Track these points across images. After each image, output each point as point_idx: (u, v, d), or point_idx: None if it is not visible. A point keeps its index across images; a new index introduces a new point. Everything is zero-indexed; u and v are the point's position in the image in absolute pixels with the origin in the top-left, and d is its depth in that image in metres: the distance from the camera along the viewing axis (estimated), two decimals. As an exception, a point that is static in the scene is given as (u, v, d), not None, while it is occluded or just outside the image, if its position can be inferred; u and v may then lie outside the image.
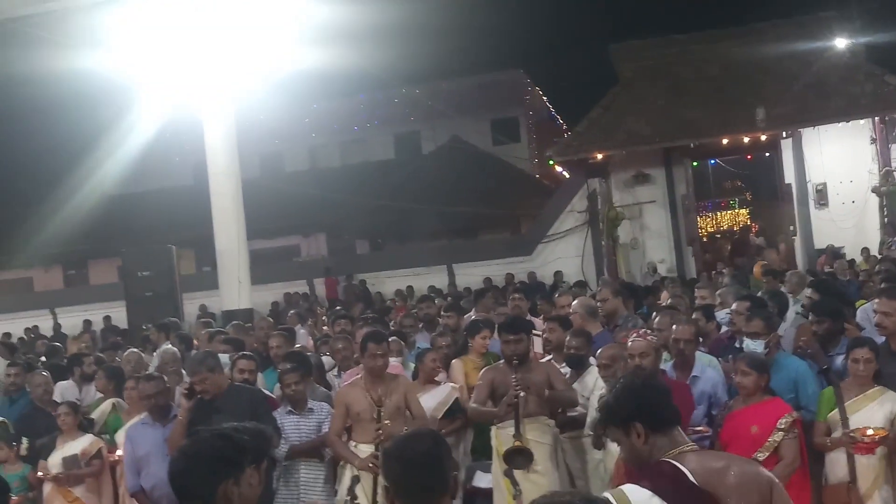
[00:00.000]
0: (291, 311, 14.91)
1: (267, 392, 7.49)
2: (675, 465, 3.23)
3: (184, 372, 8.12)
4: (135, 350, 9.84)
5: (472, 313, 10.59)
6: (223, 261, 15.03)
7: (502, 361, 6.80)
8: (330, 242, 29.53)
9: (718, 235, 26.67)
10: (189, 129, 15.59)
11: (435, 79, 33.66)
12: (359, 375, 7.21)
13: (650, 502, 3.13)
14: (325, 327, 12.00)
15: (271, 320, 12.57)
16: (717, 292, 9.57)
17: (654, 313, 8.09)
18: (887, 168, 17.84)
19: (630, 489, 3.21)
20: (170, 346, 9.81)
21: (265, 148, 31.86)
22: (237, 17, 14.32)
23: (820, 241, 17.92)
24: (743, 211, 28.74)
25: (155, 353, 10.27)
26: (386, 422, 6.35)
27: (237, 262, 14.83)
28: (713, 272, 17.27)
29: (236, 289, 14.73)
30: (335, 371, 8.46)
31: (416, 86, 32.85)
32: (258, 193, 21.01)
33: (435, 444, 3.03)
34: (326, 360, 8.90)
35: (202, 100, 14.97)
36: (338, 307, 16.64)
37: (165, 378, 7.40)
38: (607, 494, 2.89)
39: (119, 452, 7.22)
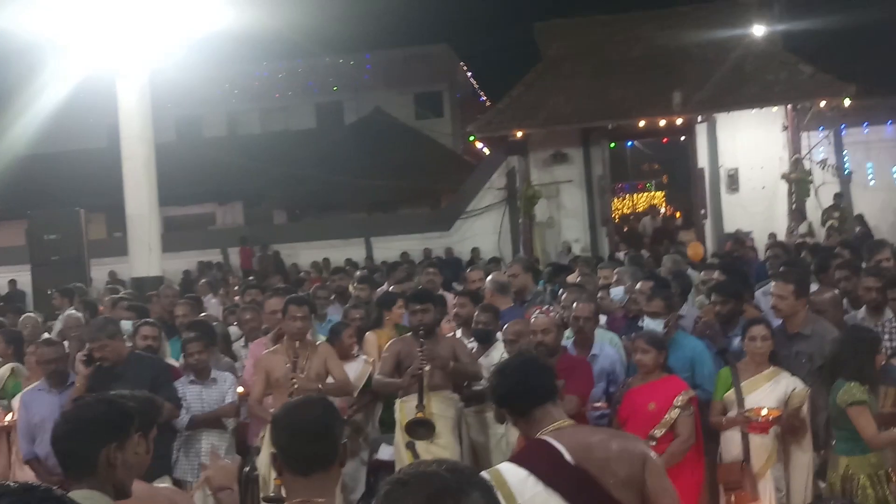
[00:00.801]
0: (202, 280, 14.69)
1: (172, 361, 7.39)
2: (549, 443, 3.27)
3: (85, 338, 7.94)
4: (31, 314, 9.59)
5: (385, 286, 10.59)
6: (133, 226, 14.68)
7: (410, 333, 6.83)
8: (247, 211, 29.13)
9: (631, 217, 27.12)
10: (104, 89, 15.12)
11: (360, 49, 33.41)
12: (269, 346, 7.18)
13: (525, 482, 3.17)
14: (236, 297, 11.86)
15: (177, 288, 12.37)
16: (615, 271, 9.76)
17: (561, 290, 8.22)
18: (797, 156, 18.29)
19: (506, 468, 3.26)
20: (73, 311, 9.59)
21: (182, 112, 31.14)
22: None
23: (730, 226, 18.36)
24: (658, 194, 29.30)
25: (58, 319, 10.03)
26: (301, 375, 6.35)
27: (148, 228, 14.51)
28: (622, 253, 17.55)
29: (146, 255, 14.41)
30: (242, 341, 8.38)
31: (340, 55, 32.53)
32: (173, 158, 20.58)
33: (325, 412, 3.02)
34: (234, 329, 8.81)
35: (116, 59, 14.52)
36: (251, 277, 16.47)
37: (66, 344, 7.23)
38: (484, 473, 2.92)
39: (9, 417, 7.04)
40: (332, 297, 10.25)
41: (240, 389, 7.16)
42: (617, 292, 8.86)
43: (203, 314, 9.15)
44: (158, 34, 14.41)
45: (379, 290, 10.29)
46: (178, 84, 23.38)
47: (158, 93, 15.87)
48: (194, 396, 6.90)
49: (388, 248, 20.34)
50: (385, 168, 24.77)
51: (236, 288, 13.61)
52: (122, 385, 5.60)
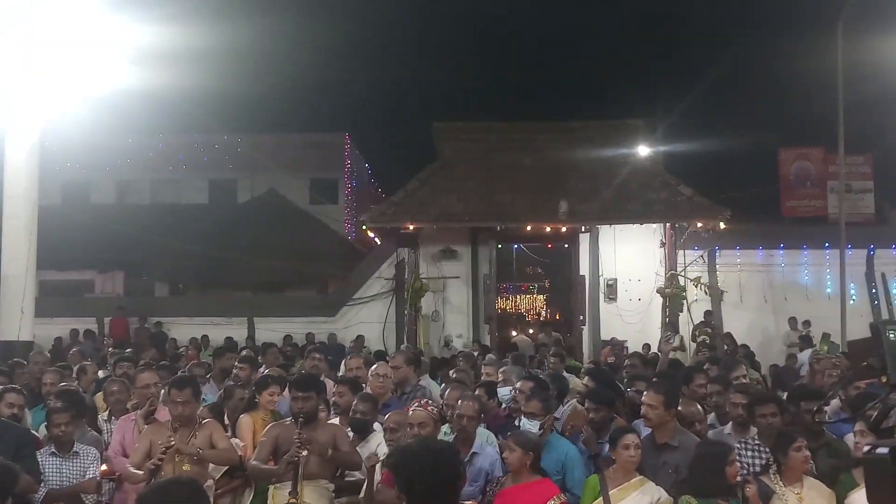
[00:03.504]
0: (74, 349, 14.17)
1: (34, 431, 7.12)
2: None
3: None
4: None
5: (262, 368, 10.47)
6: (7, 288, 14.10)
7: (289, 419, 6.77)
8: (127, 281, 28.32)
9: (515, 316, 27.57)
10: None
11: (259, 130, 33.48)
12: (140, 422, 7.01)
13: None
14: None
15: (48, 355, 11.90)
16: (501, 370, 9.91)
17: (444, 385, 8.30)
18: (673, 272, 19.14)
19: None
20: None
21: (70, 175, 30.38)
22: (53, 31, 13.71)
23: (607, 333, 18.92)
24: (540, 297, 29.94)
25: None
26: (185, 468, 6.25)
27: (22, 290, 13.97)
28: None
29: (18, 319, 13.83)
30: (105, 415, 8.10)
31: (238, 134, 32.48)
32: (56, 222, 19.96)
33: (192, 493, 3.00)
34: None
35: (6, 115, 14.16)
36: (128, 349, 15.97)
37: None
38: None
39: None
40: (208, 376, 10.07)
41: (103, 467, 6.93)
42: (504, 392, 8.95)
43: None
44: (53, 92, 14.15)
45: (259, 371, 10.16)
46: (69, 147, 22.91)
47: (47, 154, 15.48)
48: (53, 470, 6.66)
49: (271, 330, 20.09)
50: (275, 249, 24.59)
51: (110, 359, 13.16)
52: (-20, 452, 5.40)
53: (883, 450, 2.84)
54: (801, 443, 5.97)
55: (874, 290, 19.64)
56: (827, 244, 19.39)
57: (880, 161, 24.04)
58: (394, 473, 3.48)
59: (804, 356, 15.55)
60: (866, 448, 2.93)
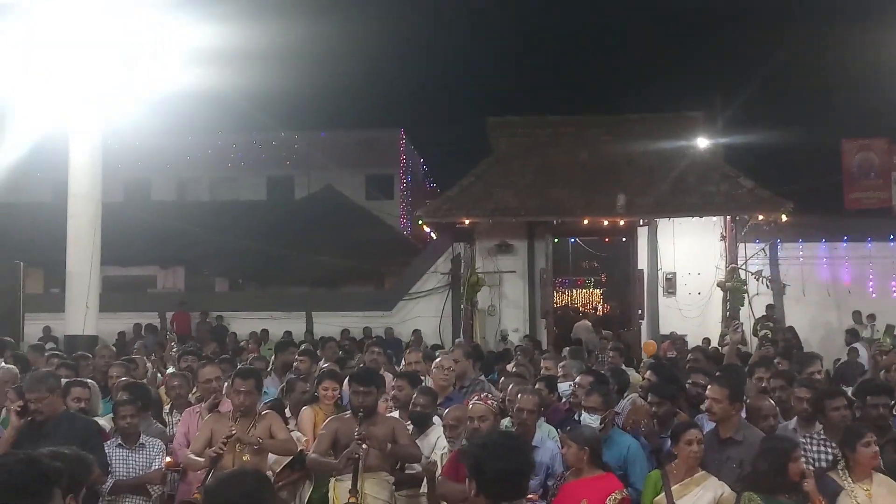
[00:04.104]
0: (138, 343, 14.45)
1: (102, 422, 7.26)
2: None
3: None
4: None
5: (322, 362, 10.56)
6: (72, 284, 14.45)
7: (348, 413, 6.81)
8: (188, 277, 28.79)
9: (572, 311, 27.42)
10: (53, 144, 15.01)
11: (315, 127, 33.82)
12: (204, 415, 7.11)
13: None
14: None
15: (113, 349, 12.15)
16: (561, 364, 9.86)
17: (502, 379, 8.28)
18: (733, 265, 18.84)
19: None
20: (3, 363, 9.35)
21: (132, 174, 30.99)
22: (115, 33, 13.98)
23: (665, 328, 18.70)
24: (597, 291, 29.75)
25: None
26: (245, 458, 6.34)
27: (87, 286, 14.28)
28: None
29: (83, 314, 14.15)
30: (167, 408, 8.23)
31: (294, 131, 32.83)
32: (119, 219, 20.35)
33: (257, 484, 3.02)
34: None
35: (71, 116, 14.49)
36: (189, 343, 16.24)
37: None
38: None
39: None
40: (269, 370, 10.18)
41: (168, 459, 7.04)
42: (564, 386, 8.90)
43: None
44: (115, 93, 14.43)
45: (319, 364, 10.25)
46: (131, 146, 23.37)
47: (109, 153, 15.80)
48: (120, 461, 6.79)
49: (328, 324, 20.24)
50: (331, 245, 24.78)
51: (172, 353, 13.39)
52: (50, 443, 5.51)
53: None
54: (869, 438, 5.83)
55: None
56: (892, 236, 18.92)
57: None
58: (466, 459, 3.50)
59: (862, 350, 15.22)
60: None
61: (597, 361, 12.80)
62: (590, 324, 23.86)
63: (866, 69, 23.44)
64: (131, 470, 6.77)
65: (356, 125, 34.49)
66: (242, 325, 20.99)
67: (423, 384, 7.84)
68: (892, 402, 7.59)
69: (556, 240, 21.17)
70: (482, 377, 9.42)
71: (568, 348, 12.32)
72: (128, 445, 6.85)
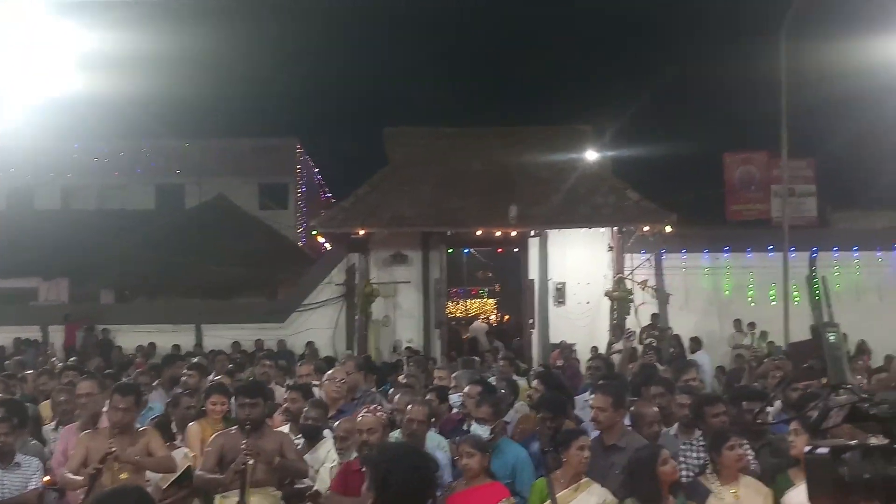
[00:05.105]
0: (16, 358, 13.90)
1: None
2: None
3: None
4: None
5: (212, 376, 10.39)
6: (-54, 297, 13.82)
7: (235, 427, 6.73)
8: (73, 289, 27.82)
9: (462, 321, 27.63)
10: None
11: (207, 135, 33.20)
12: (78, 432, 6.91)
13: None
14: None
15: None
16: (453, 375, 9.95)
17: (393, 390, 8.31)
18: (620, 275, 19.36)
19: None
20: None
21: (14, 181, 29.83)
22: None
23: (556, 337, 19.04)
24: (491, 301, 30.09)
25: None
26: (122, 476, 6.18)
27: (-38, 299, 13.68)
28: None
29: (-43, 328, 13.55)
30: (52, 425, 7.99)
31: (186, 139, 32.16)
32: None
33: (140, 502, 2.99)
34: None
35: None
36: (73, 358, 15.74)
37: None
38: None
39: None
40: (155, 384, 9.96)
41: (46, 477, 6.82)
42: (455, 397, 8.97)
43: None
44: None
45: (208, 378, 10.07)
46: (13, 152, 22.46)
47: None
48: (-7, 481, 6.54)
49: (219, 337, 19.88)
50: (223, 255, 24.37)
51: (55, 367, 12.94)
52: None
53: (823, 450, 2.90)
54: (734, 441, 6.06)
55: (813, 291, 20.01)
56: (771, 247, 19.74)
57: (822, 165, 24.59)
58: (371, 470, 3.47)
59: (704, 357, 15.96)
60: (807, 448, 2.99)
61: (488, 369, 12.98)
62: (486, 325, 24.18)
63: (749, 85, 24.48)
64: (6, 490, 6.53)
65: (251, 133, 33.99)
66: (129, 338, 20.42)
67: (316, 397, 7.81)
68: (768, 406, 7.96)
69: (450, 250, 21.32)
70: (374, 389, 9.43)
71: (461, 358, 12.46)
72: (2, 465, 6.60)
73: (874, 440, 3.04)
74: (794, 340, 16.46)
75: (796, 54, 18.32)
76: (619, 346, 17.53)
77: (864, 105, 25.19)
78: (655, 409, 7.35)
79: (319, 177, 37.36)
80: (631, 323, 18.87)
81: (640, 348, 17.45)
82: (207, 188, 31.39)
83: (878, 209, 24.08)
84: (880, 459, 2.80)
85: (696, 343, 17.52)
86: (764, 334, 18.11)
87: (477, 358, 16.22)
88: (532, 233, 19.73)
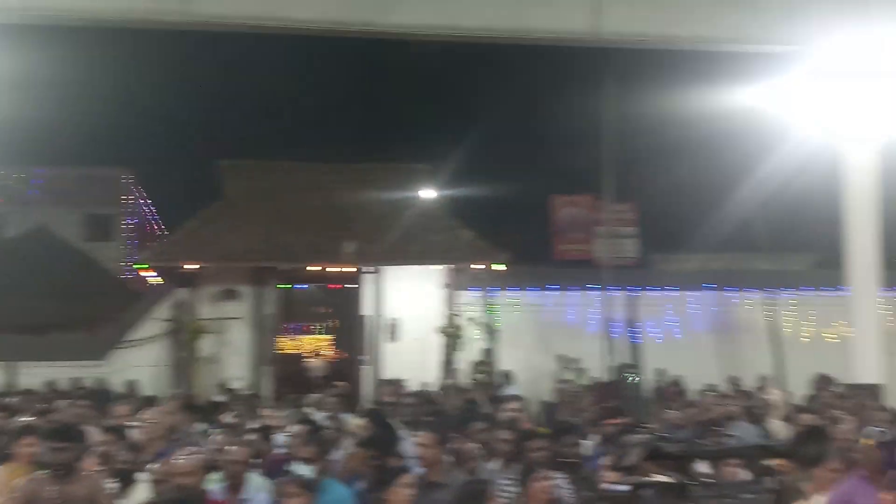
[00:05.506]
0: None
1: None
2: None
3: None
4: None
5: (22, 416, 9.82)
6: None
7: (44, 471, 6.40)
8: None
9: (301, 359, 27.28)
10: None
11: (30, 162, 31.58)
12: None
13: None
14: None
15: None
16: (283, 415, 9.84)
17: (214, 430, 8.11)
18: (452, 312, 19.70)
19: None
20: None
21: None
22: None
23: (388, 373, 19.10)
24: (326, 337, 29.80)
25: None
26: None
27: None
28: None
29: None
30: None
31: (6, 166, 30.53)
32: None
33: None
34: None
35: None
36: None
37: None
38: None
39: None
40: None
41: None
42: (282, 437, 8.83)
43: None
44: None
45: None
46: None
47: None
48: None
49: (34, 375, 18.76)
50: (41, 288, 23.11)
51: None
52: None
53: (623, 487, 3.06)
54: (539, 475, 6.29)
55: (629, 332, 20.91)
56: (593, 286, 20.56)
57: (643, 209, 25.92)
58: None
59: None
60: (605, 485, 3.15)
61: (320, 407, 12.86)
62: (320, 362, 23.97)
63: (577, 132, 25.55)
64: None
65: (78, 162, 32.57)
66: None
67: (132, 438, 7.53)
68: (582, 440, 8.28)
69: (284, 286, 21.06)
70: (196, 429, 9.16)
71: (290, 396, 12.31)
72: None
73: (670, 477, 3.27)
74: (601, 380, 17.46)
75: (626, 105, 19.41)
76: (450, 381, 17.83)
77: (682, 155, 26.89)
78: (477, 444, 7.52)
79: (153, 209, 36.19)
80: (462, 359, 19.20)
81: (470, 383, 17.84)
82: (29, 218, 29.82)
83: (694, 252, 25.68)
84: (672, 496, 3.01)
85: (508, 378, 17.92)
86: (581, 371, 18.82)
87: (314, 395, 16.08)
88: (367, 269, 19.80)
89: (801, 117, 15.59)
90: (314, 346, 28.83)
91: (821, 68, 14.81)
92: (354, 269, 19.66)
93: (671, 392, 15.94)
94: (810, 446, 5.58)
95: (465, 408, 10.13)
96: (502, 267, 19.65)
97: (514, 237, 23.03)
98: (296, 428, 7.81)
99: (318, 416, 10.32)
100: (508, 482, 6.90)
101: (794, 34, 14.81)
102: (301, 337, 29.22)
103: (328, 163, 22.59)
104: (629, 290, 20.74)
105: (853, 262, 15.29)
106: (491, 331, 19.98)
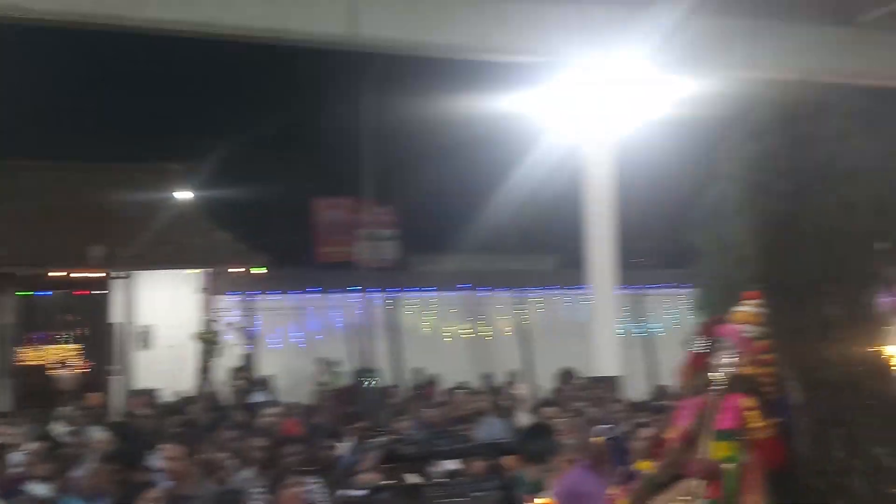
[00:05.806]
0: None
1: None
2: None
3: None
4: None
5: None
6: None
7: None
8: None
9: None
10: None
11: None
12: None
13: None
14: None
15: None
16: (20, 431, 9.22)
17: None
18: (209, 317, 19.21)
19: None
20: None
21: None
22: None
23: (141, 382, 18.34)
24: (73, 346, 28.13)
25: None
26: None
27: None
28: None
29: None
30: None
31: None
32: None
33: None
34: None
35: None
36: None
37: None
38: None
39: None
40: None
41: None
42: (19, 456, 8.26)
43: None
44: None
45: None
46: None
47: None
48: None
49: None
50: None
51: None
52: None
53: (358, 492, 3.14)
54: (290, 481, 6.35)
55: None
56: (352, 287, 20.75)
57: (403, 212, 26.43)
58: None
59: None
60: (339, 493, 3.22)
61: (66, 421, 12.12)
62: (67, 373, 22.60)
63: (339, 135, 25.62)
64: None
65: None
66: None
67: None
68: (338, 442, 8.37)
69: (24, 293, 19.66)
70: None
71: (29, 411, 11.55)
72: None
73: (409, 479, 3.37)
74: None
75: (387, 109, 19.71)
76: (207, 389, 17.39)
77: (441, 160, 27.72)
78: (228, 453, 7.42)
79: None
80: (220, 365, 18.78)
81: (228, 390, 17.51)
82: None
83: (452, 253, 26.51)
84: (406, 498, 3.12)
85: (263, 384, 17.73)
86: (338, 374, 18.97)
87: (61, 408, 15.14)
88: (117, 274, 18.90)
89: (549, 125, 16.61)
90: (60, 356, 27.14)
91: (568, 78, 15.85)
92: (103, 274, 18.71)
93: (428, 391, 16.38)
94: (536, 442, 5.95)
95: (215, 416, 9.90)
96: (262, 270, 19.40)
97: (274, 240, 22.77)
98: (33, 445, 7.34)
99: (62, 430, 9.76)
100: (260, 490, 6.88)
101: (540, 47, 15.70)
102: (45, 347, 27.45)
103: (78, 162, 21.33)
104: (389, 291, 21.13)
105: (592, 263, 16.44)
106: (251, 336, 19.68)
